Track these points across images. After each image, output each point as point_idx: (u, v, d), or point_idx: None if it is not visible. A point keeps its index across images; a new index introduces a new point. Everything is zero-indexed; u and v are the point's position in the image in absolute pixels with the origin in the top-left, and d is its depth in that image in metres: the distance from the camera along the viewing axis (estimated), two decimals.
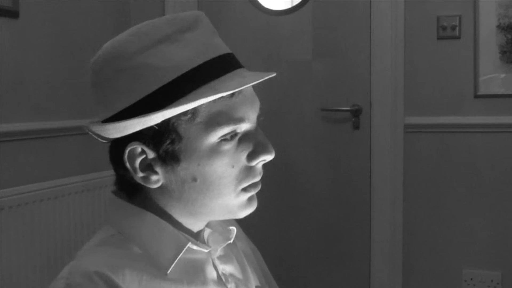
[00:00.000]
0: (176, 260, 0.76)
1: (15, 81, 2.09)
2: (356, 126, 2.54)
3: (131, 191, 0.80)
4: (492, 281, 2.38)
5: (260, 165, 0.80)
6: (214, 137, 0.74)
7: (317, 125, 2.62)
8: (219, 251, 0.85)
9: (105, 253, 0.76)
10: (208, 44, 0.76)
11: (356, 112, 2.53)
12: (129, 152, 0.75)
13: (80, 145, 2.27)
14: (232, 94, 0.74)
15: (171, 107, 0.71)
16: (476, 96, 2.36)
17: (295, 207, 2.67)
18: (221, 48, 0.77)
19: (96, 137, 0.77)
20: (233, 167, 0.76)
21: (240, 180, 0.77)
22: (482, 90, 2.35)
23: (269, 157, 0.79)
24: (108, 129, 0.74)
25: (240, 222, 1.00)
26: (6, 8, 2.03)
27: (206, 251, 0.81)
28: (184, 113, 0.73)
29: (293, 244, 2.68)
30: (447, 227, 2.44)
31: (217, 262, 0.83)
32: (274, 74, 0.83)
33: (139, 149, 0.75)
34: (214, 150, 0.75)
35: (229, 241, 0.85)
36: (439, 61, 2.41)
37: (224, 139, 0.75)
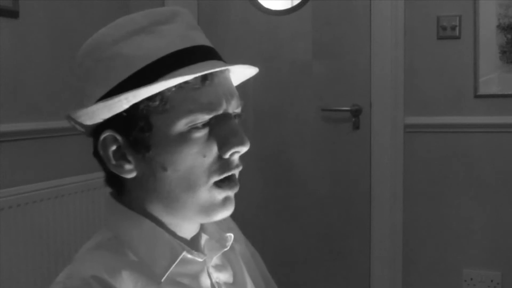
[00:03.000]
0: (170, 270, 0.76)
1: (15, 81, 2.09)
2: (356, 126, 2.54)
3: (117, 187, 0.81)
4: (492, 281, 2.38)
5: (235, 158, 0.77)
6: (184, 124, 0.73)
7: (317, 125, 2.62)
8: (214, 259, 0.84)
9: (102, 256, 0.76)
10: (182, 36, 0.76)
11: (356, 112, 2.53)
12: (102, 140, 0.76)
13: (80, 145, 2.25)
14: (203, 83, 0.73)
15: (132, 92, 0.71)
16: (476, 96, 2.36)
17: (295, 207, 2.67)
18: (197, 40, 0.77)
19: (77, 126, 0.78)
20: (204, 156, 0.74)
21: (212, 171, 0.75)
22: (482, 90, 2.35)
23: (242, 149, 0.76)
24: (80, 116, 0.75)
25: (239, 222, 1.00)
26: (6, 8, 2.03)
27: (200, 260, 0.80)
28: (152, 100, 0.73)
29: (293, 244, 2.68)
30: (447, 227, 2.44)
31: (211, 270, 0.83)
32: (253, 68, 0.83)
33: (112, 137, 0.76)
34: (184, 138, 0.73)
35: (225, 249, 0.84)
36: (439, 61, 2.41)
37: (194, 127, 0.74)
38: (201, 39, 0.78)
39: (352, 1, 2.55)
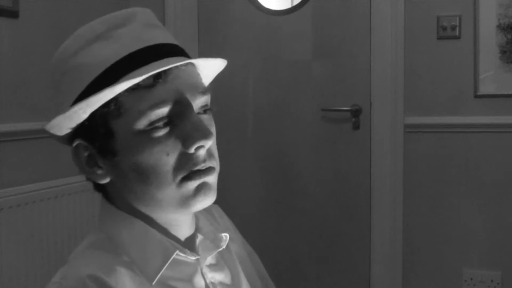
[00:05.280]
0: (163, 270, 0.76)
1: (15, 81, 2.09)
2: (356, 126, 2.54)
3: (103, 192, 0.82)
4: (492, 281, 2.38)
5: (201, 152, 0.75)
6: (142, 125, 0.73)
7: (317, 125, 2.62)
8: (209, 259, 0.84)
9: (97, 256, 0.76)
10: (137, 37, 0.75)
11: (356, 112, 2.53)
12: (74, 148, 0.78)
13: None
14: (156, 81, 0.73)
15: (85, 101, 0.72)
16: (476, 96, 2.36)
17: (294, 207, 2.67)
18: (154, 39, 0.76)
19: (53, 138, 0.80)
20: (168, 155, 0.74)
21: (177, 168, 0.74)
22: (482, 90, 2.35)
23: (206, 142, 0.75)
24: (50, 128, 0.76)
25: (238, 222, 1.00)
26: (6, 8, 2.03)
27: (192, 259, 0.80)
28: (107, 106, 0.73)
29: (293, 244, 2.68)
30: (447, 227, 2.44)
31: (205, 270, 0.82)
32: (220, 60, 0.81)
33: (82, 145, 0.77)
34: (144, 139, 0.73)
35: (219, 249, 0.84)
36: (439, 61, 2.41)
37: (154, 127, 0.73)
38: (159, 37, 0.77)
39: (352, 1, 2.55)
